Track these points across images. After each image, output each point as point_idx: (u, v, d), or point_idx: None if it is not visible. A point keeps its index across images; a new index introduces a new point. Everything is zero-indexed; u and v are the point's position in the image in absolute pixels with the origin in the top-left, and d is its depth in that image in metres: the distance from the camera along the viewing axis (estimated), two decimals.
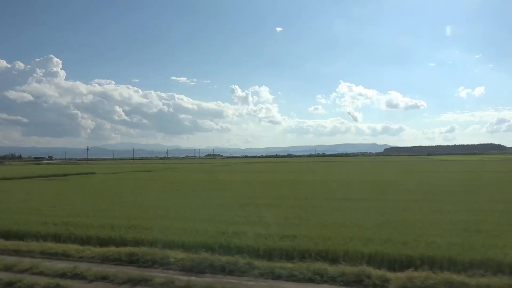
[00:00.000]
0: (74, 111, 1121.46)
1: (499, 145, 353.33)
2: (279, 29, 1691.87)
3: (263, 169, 61.79)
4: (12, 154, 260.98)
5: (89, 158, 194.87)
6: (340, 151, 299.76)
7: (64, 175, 46.31)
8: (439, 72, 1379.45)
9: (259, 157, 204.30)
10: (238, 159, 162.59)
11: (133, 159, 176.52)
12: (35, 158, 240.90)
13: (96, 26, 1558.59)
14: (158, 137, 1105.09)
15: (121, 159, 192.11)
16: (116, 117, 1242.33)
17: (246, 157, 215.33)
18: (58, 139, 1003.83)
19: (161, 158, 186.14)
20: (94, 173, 50.23)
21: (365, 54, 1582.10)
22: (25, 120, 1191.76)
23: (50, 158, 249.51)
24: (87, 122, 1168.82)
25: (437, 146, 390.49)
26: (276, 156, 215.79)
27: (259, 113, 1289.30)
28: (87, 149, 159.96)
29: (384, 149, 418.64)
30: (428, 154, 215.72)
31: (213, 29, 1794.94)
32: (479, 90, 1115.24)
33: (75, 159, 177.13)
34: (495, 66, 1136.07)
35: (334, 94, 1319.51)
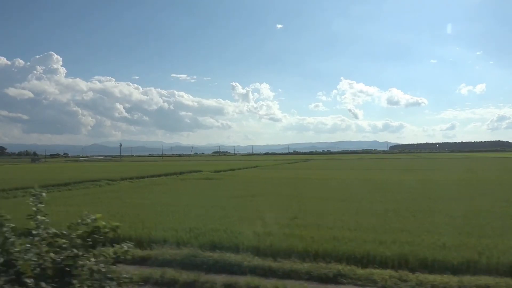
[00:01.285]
0: (74, 108, 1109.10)
1: (507, 142, 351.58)
2: (279, 26, 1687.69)
3: (366, 166, 58.16)
4: (26, 151, 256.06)
5: (101, 155, 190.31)
6: (341, 148, 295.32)
7: (181, 173, 42.20)
8: (440, 69, 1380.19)
9: (285, 154, 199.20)
10: (271, 156, 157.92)
11: (162, 156, 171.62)
12: (50, 155, 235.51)
13: (95, 23, 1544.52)
14: (159, 134, 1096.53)
15: (143, 156, 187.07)
16: (116, 114, 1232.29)
17: (267, 154, 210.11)
18: (58, 136, 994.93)
19: (190, 155, 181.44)
20: (201, 171, 46.17)
21: (366, 51, 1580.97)
22: (25, 117, 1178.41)
23: (66, 155, 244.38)
24: (88, 119, 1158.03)
25: (444, 143, 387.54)
26: (316, 153, 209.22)
27: (260, 110, 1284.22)
28: (120, 145, 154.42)
29: (390, 147, 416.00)
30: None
31: (213, 26, 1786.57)
32: (480, 87, 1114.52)
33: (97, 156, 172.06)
34: (495, 63, 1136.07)
35: (335, 91, 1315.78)
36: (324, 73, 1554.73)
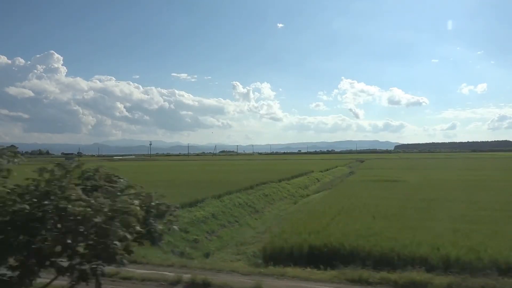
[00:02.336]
0: (75, 107, 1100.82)
1: None
2: (280, 25, 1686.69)
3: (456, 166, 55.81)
4: (39, 150, 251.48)
5: (120, 154, 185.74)
6: (342, 148, 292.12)
7: (306, 173, 39.14)
8: (441, 69, 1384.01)
9: (309, 153, 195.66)
10: (304, 155, 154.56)
11: (187, 155, 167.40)
12: (63, 154, 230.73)
13: (96, 23, 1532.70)
14: (159, 134, 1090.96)
15: (172, 155, 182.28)
16: (117, 113, 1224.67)
17: (285, 153, 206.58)
18: (59, 135, 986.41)
19: (212, 154, 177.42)
20: (313, 171, 43.28)
21: (367, 51, 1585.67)
22: (26, 116, 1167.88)
23: (80, 154, 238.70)
24: (88, 118, 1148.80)
25: (452, 143, 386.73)
26: (337, 152, 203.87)
27: (261, 110, 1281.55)
28: (150, 144, 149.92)
29: (395, 147, 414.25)
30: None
31: (214, 25, 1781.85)
32: (481, 87, 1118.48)
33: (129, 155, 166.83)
34: (496, 63, 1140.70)
35: (335, 90, 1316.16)
36: (325, 72, 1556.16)
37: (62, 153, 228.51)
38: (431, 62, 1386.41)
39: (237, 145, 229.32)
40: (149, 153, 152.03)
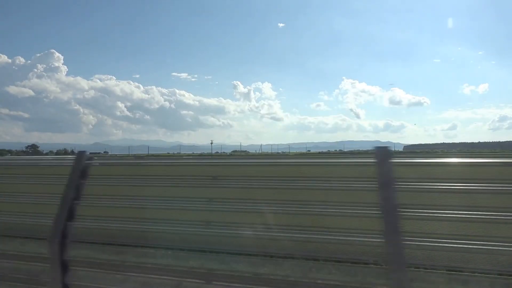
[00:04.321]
0: (75, 107, 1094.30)
1: None
2: (281, 24, 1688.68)
3: None
4: (65, 149, 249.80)
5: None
6: (343, 148, 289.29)
7: None
8: (443, 69, 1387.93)
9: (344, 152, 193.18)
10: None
11: (250, 153, 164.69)
12: (90, 153, 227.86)
13: (96, 21, 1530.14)
14: (159, 133, 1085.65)
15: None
16: (118, 113, 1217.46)
17: (321, 153, 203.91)
18: (59, 135, 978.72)
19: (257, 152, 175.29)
20: None
21: (369, 51, 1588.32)
22: (26, 115, 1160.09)
23: (106, 153, 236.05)
24: (89, 117, 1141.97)
25: (460, 143, 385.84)
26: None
27: (261, 110, 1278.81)
28: (211, 143, 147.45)
29: (404, 147, 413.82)
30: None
31: (215, 24, 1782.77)
32: (482, 87, 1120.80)
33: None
34: (497, 63, 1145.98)
35: (336, 90, 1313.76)
36: (326, 72, 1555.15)
37: (90, 153, 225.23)
38: (433, 62, 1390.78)
39: (271, 145, 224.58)
40: (211, 152, 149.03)
